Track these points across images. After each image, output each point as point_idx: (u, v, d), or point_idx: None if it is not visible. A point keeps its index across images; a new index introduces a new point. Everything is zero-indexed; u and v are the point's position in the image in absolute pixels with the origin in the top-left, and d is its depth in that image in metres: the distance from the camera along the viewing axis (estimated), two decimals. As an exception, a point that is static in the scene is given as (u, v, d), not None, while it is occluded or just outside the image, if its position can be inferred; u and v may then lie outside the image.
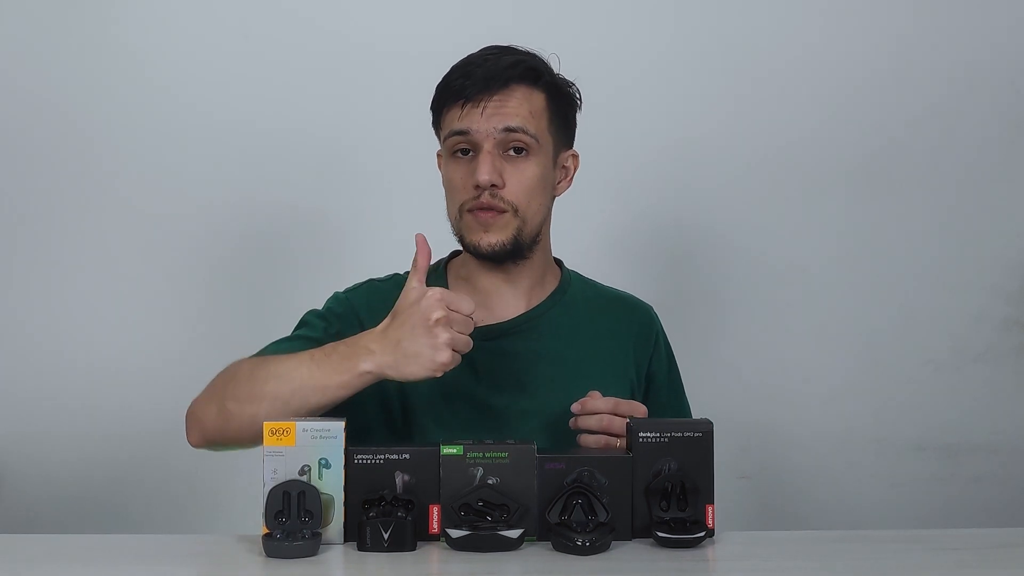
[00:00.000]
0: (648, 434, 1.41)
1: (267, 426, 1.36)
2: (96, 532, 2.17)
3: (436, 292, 1.44)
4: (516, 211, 1.60)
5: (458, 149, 1.62)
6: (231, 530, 1.49)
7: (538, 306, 1.69)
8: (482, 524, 1.35)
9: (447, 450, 1.38)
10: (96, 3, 2.30)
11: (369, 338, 1.46)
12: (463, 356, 1.60)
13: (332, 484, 1.36)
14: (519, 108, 1.60)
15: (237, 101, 2.29)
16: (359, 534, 1.35)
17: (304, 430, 1.36)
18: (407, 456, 1.39)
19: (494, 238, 1.60)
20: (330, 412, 1.50)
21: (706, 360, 2.15)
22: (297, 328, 1.69)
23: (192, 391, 2.26)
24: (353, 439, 1.40)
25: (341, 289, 1.76)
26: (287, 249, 2.30)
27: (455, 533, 1.34)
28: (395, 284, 1.69)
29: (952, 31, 2.31)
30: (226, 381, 1.56)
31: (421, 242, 1.50)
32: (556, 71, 1.66)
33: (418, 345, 1.42)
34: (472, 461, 1.38)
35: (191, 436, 1.60)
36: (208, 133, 2.29)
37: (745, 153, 2.31)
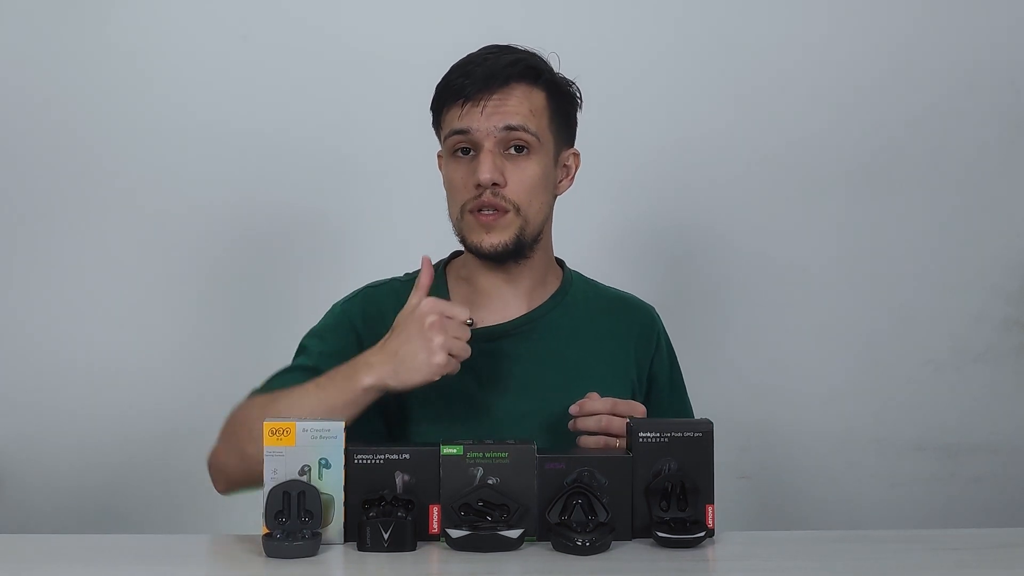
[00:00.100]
0: (648, 434, 1.41)
1: (267, 426, 1.36)
2: (96, 532, 2.17)
3: (429, 300, 1.48)
4: (518, 210, 1.60)
5: (458, 148, 1.62)
6: (231, 530, 1.49)
7: (539, 307, 1.68)
8: (482, 524, 1.35)
9: (447, 450, 1.38)
10: (96, 5, 2.29)
11: (369, 353, 1.50)
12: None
13: (332, 484, 1.36)
14: (519, 106, 1.60)
15: (237, 102, 2.29)
16: (359, 534, 1.35)
17: (304, 430, 1.36)
18: (407, 456, 1.39)
19: (496, 238, 1.60)
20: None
21: (706, 360, 2.15)
22: (297, 355, 1.72)
23: (192, 391, 2.28)
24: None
25: (340, 297, 1.77)
26: (288, 250, 2.30)
27: (455, 533, 1.34)
28: (391, 290, 1.70)
29: (952, 31, 2.31)
30: (239, 425, 1.58)
31: (426, 263, 1.54)
32: (556, 70, 1.66)
33: (414, 350, 1.45)
34: (472, 461, 1.38)
35: (218, 486, 1.63)
36: (208, 134, 2.28)
37: (745, 153, 2.31)
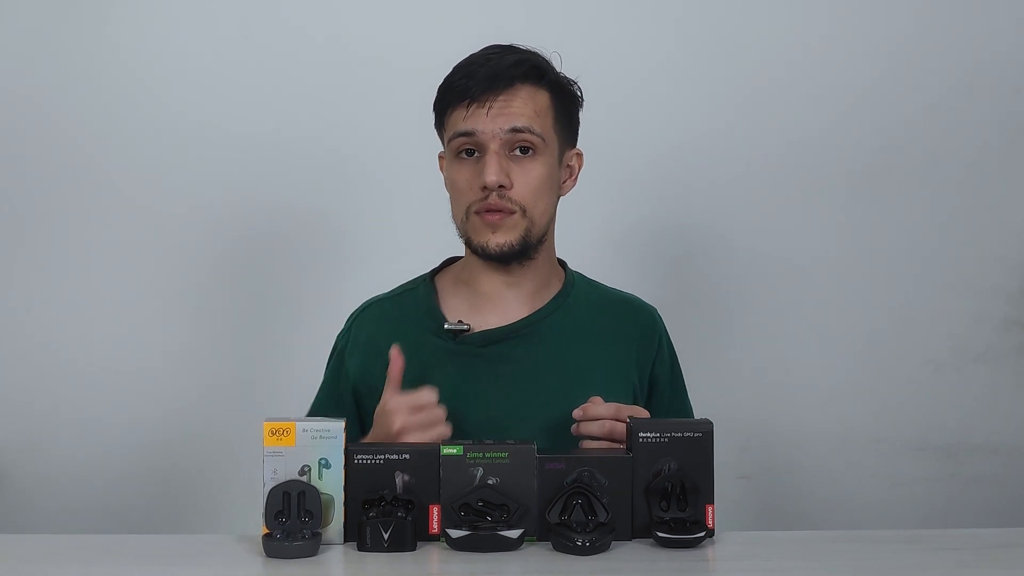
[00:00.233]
0: (648, 434, 1.41)
1: (267, 426, 1.36)
2: (96, 532, 2.17)
3: (393, 403, 1.49)
4: (524, 212, 1.60)
5: (463, 150, 1.61)
6: (231, 530, 1.49)
7: (540, 310, 1.68)
8: (482, 524, 1.35)
9: (447, 450, 1.38)
10: (96, 5, 2.29)
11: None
12: (461, 361, 1.62)
13: (332, 484, 1.36)
14: (524, 108, 1.60)
15: (237, 103, 2.28)
16: (359, 534, 1.35)
17: (304, 430, 1.36)
18: (407, 456, 1.39)
19: (502, 238, 1.60)
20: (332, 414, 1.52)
21: (706, 360, 2.15)
22: (322, 386, 1.76)
23: (192, 391, 2.28)
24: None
25: (340, 298, 1.83)
26: (288, 252, 2.30)
27: (455, 533, 1.34)
28: (397, 303, 1.72)
29: (952, 31, 2.31)
30: None
31: (395, 356, 1.53)
32: (558, 70, 1.66)
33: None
34: (472, 461, 1.38)
35: None
36: (209, 134, 2.28)
37: (746, 154, 2.30)
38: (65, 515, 2.26)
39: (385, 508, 1.36)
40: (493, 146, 1.58)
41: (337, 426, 1.37)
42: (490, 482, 1.37)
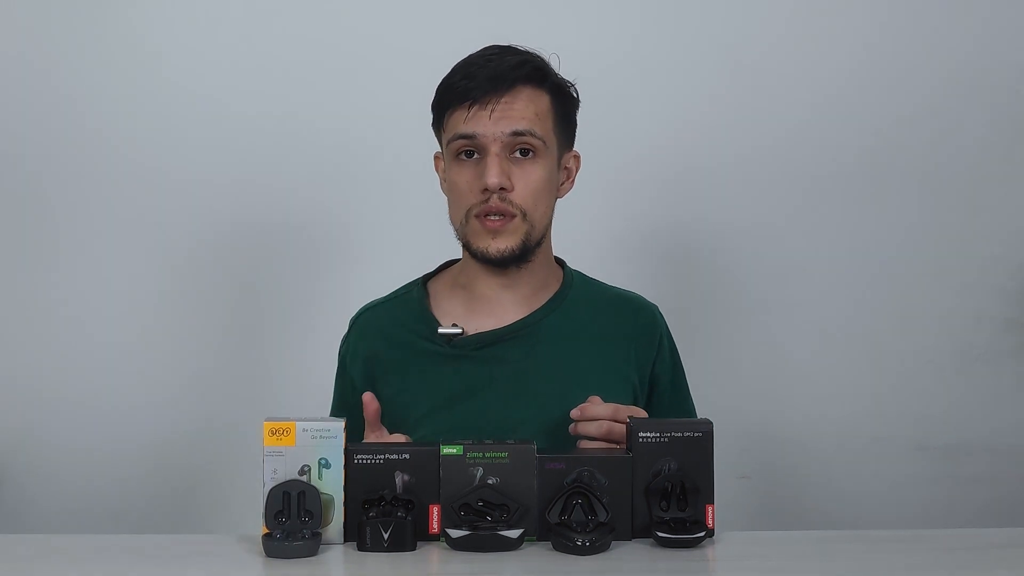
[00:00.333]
0: (648, 434, 1.40)
1: (267, 426, 1.36)
2: (96, 532, 2.17)
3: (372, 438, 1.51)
4: (524, 215, 1.60)
5: (463, 152, 1.61)
6: (231, 530, 1.49)
7: (536, 312, 1.67)
8: (482, 524, 1.35)
9: (447, 450, 1.38)
10: (97, 4, 2.29)
11: None
12: (456, 365, 1.62)
13: (332, 484, 1.36)
14: (525, 110, 1.59)
15: (240, 102, 2.29)
16: (359, 534, 1.35)
17: (304, 430, 1.36)
18: (407, 456, 1.39)
19: (503, 243, 1.60)
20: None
21: (706, 360, 2.15)
22: (334, 394, 1.77)
23: (192, 391, 2.28)
24: None
25: (340, 300, 1.86)
26: (290, 251, 2.30)
27: (455, 533, 1.34)
28: (390, 309, 1.72)
29: (952, 32, 2.31)
30: None
31: (367, 400, 1.51)
32: (556, 71, 1.66)
33: None
34: (472, 461, 1.38)
35: None
36: (212, 133, 2.28)
37: (745, 154, 2.30)
38: (65, 515, 2.26)
39: (385, 508, 1.36)
40: (494, 148, 1.58)
41: (337, 426, 1.37)
42: (490, 482, 1.37)
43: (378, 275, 1.83)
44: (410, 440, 1.52)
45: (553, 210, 1.67)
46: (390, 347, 1.68)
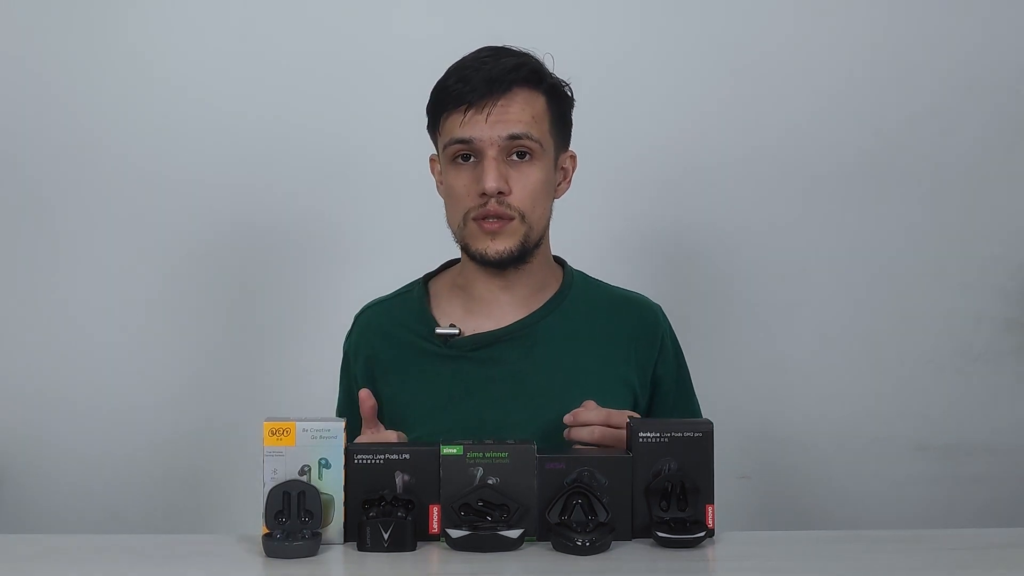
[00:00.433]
0: (648, 434, 1.40)
1: (267, 426, 1.36)
2: (96, 532, 2.17)
3: (365, 438, 1.51)
4: (523, 217, 1.59)
5: (459, 155, 1.60)
6: (231, 530, 1.49)
7: (533, 313, 1.67)
8: (482, 524, 1.35)
9: (447, 450, 1.38)
10: (97, 4, 2.29)
11: None
12: (452, 365, 1.62)
13: (332, 484, 1.36)
14: (522, 113, 1.59)
15: (240, 102, 2.29)
16: (359, 534, 1.35)
17: (304, 430, 1.36)
18: (407, 456, 1.39)
19: (502, 245, 1.59)
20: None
21: (705, 360, 2.14)
22: (339, 390, 1.77)
23: (192, 391, 2.28)
24: None
25: (340, 301, 1.86)
26: (290, 251, 2.30)
27: (455, 533, 1.34)
28: (392, 307, 1.71)
29: (952, 32, 2.30)
30: None
31: (364, 397, 1.52)
32: (551, 71, 1.65)
33: None
34: (472, 461, 1.38)
35: None
36: (212, 134, 2.28)
37: (745, 153, 2.30)
38: (65, 515, 2.26)
39: (385, 508, 1.36)
40: (491, 152, 1.57)
41: (337, 426, 1.37)
42: (490, 482, 1.37)
43: (376, 276, 1.83)
44: (403, 436, 1.52)
45: (551, 211, 1.67)
46: (390, 346, 1.69)
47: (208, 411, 2.29)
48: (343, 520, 1.37)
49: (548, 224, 1.67)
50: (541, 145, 1.60)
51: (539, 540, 1.38)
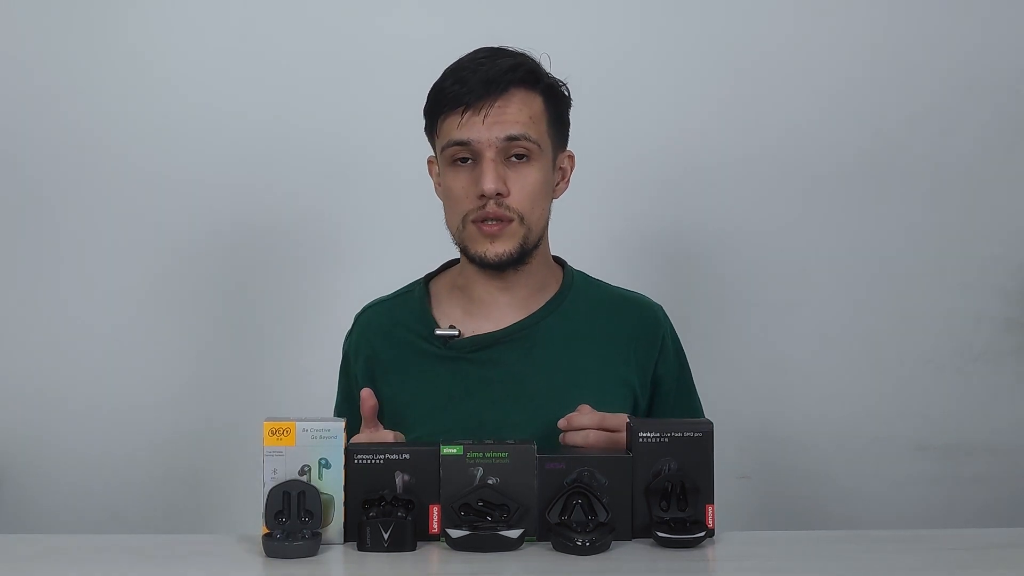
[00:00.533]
0: (648, 434, 1.40)
1: (267, 426, 1.36)
2: (96, 532, 2.17)
3: (363, 437, 1.51)
4: (522, 219, 1.59)
5: (457, 158, 1.60)
6: (231, 530, 1.49)
7: (532, 314, 1.67)
8: (482, 524, 1.35)
9: (447, 450, 1.38)
10: (97, 5, 2.29)
11: None
12: (452, 366, 1.62)
13: (332, 484, 1.36)
14: (519, 114, 1.58)
15: (239, 103, 2.29)
16: (359, 534, 1.35)
17: (304, 430, 1.36)
18: (407, 456, 1.39)
19: (501, 247, 1.59)
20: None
21: (706, 360, 2.13)
22: (338, 390, 1.77)
23: (192, 391, 2.28)
24: None
25: (340, 302, 1.87)
26: (290, 251, 2.30)
27: (455, 533, 1.34)
28: (393, 307, 1.71)
29: (952, 32, 2.30)
30: None
31: (365, 396, 1.52)
32: (547, 71, 1.65)
33: None
34: (472, 461, 1.38)
35: None
36: (211, 135, 2.28)
37: (745, 153, 2.30)
38: (65, 515, 2.26)
39: (385, 508, 1.36)
40: (489, 154, 1.57)
41: (337, 426, 1.37)
42: (490, 482, 1.37)
43: (375, 277, 1.83)
44: (400, 435, 1.52)
45: (550, 211, 1.66)
46: (390, 346, 1.69)
47: (208, 411, 2.29)
48: (343, 520, 1.37)
49: (547, 225, 1.66)
50: (539, 146, 1.60)
51: (539, 540, 1.38)
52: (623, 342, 1.68)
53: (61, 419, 2.28)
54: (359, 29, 2.30)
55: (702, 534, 1.36)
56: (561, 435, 1.49)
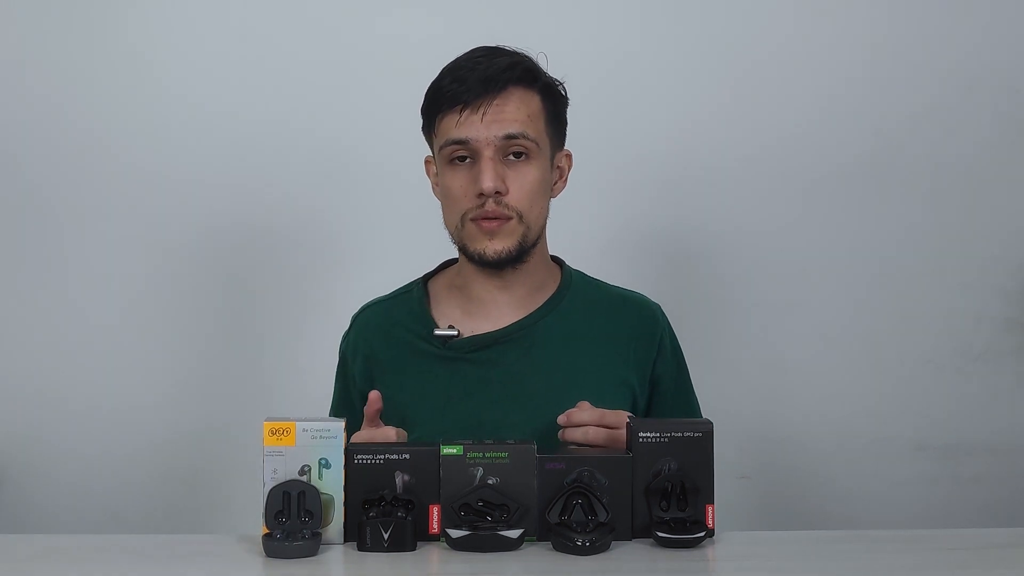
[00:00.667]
0: (648, 434, 1.40)
1: (267, 426, 1.36)
2: (96, 532, 2.17)
3: (356, 438, 1.50)
4: (521, 217, 1.59)
5: (456, 156, 1.60)
6: (231, 530, 1.49)
7: (531, 314, 1.67)
8: (482, 524, 1.35)
9: (447, 450, 1.38)
10: (97, 5, 2.29)
11: None
12: (451, 367, 1.62)
13: (332, 484, 1.36)
14: (518, 112, 1.58)
15: (235, 108, 2.28)
16: (359, 534, 1.35)
17: (304, 430, 1.36)
18: (407, 456, 1.39)
19: (500, 245, 1.59)
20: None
21: (705, 360, 2.14)
22: (334, 390, 1.76)
23: (192, 391, 2.28)
24: None
25: (340, 302, 1.85)
26: (290, 251, 2.30)
27: (455, 533, 1.34)
28: (391, 307, 1.71)
29: (952, 32, 2.30)
30: None
31: (373, 399, 1.50)
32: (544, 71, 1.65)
33: None
34: (472, 461, 1.38)
35: None
36: (211, 134, 2.28)
37: (745, 153, 2.30)
38: (65, 515, 2.26)
39: (385, 508, 1.36)
40: (487, 152, 1.57)
41: (337, 426, 1.37)
42: (490, 482, 1.37)
43: (373, 277, 1.83)
44: (400, 432, 1.51)
45: (548, 210, 1.66)
46: (389, 346, 1.68)
47: (208, 411, 2.29)
48: (343, 520, 1.37)
49: (545, 223, 1.66)
50: (537, 144, 1.60)
51: (539, 540, 1.38)
52: (622, 342, 1.68)
53: (61, 419, 2.28)
54: (359, 30, 2.30)
55: (702, 534, 1.37)
56: (560, 431, 1.49)
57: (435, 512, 1.38)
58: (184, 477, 2.29)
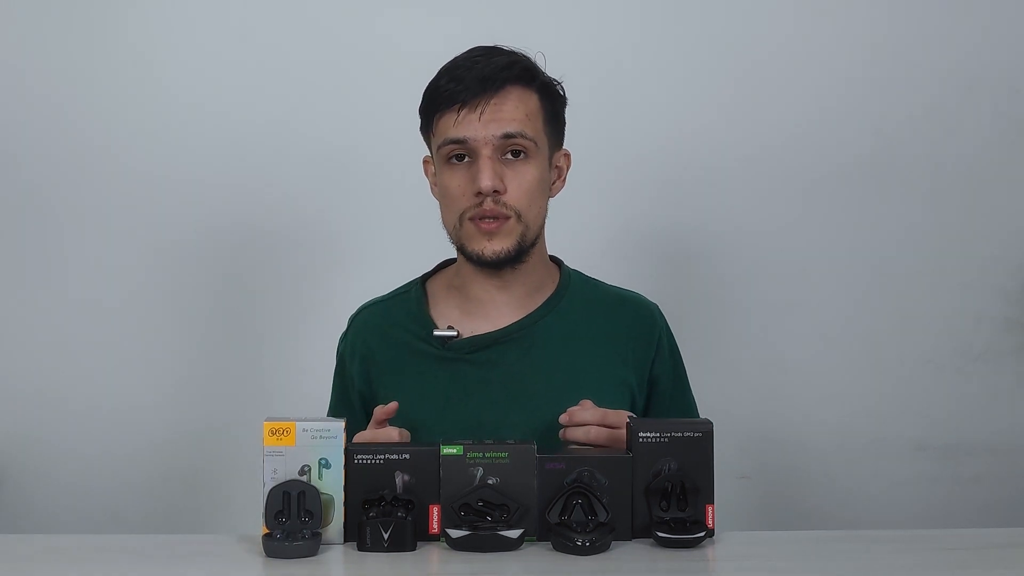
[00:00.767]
0: (648, 434, 1.40)
1: (267, 426, 1.36)
2: (95, 532, 2.17)
3: (359, 436, 1.50)
4: (519, 216, 1.59)
5: (454, 156, 1.60)
6: (231, 530, 1.49)
7: (530, 314, 1.66)
8: (482, 524, 1.35)
9: (447, 450, 1.38)
10: (97, 6, 2.29)
11: None
12: (450, 367, 1.62)
13: (332, 484, 1.36)
14: (516, 111, 1.58)
15: (237, 104, 2.29)
16: (359, 534, 1.35)
17: (304, 430, 1.36)
18: (407, 456, 1.39)
19: (499, 245, 1.59)
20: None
21: (705, 360, 2.14)
22: (332, 391, 1.76)
23: (192, 391, 2.28)
24: None
25: (339, 302, 1.85)
26: (289, 252, 2.30)
27: (455, 533, 1.34)
28: (389, 307, 1.71)
29: (952, 32, 2.31)
30: None
31: (390, 409, 1.50)
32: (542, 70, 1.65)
33: None
34: (472, 461, 1.38)
35: None
36: (206, 139, 2.28)
37: (745, 153, 2.30)
38: (65, 515, 2.26)
39: (385, 508, 1.36)
40: (486, 151, 1.57)
41: (337, 426, 1.37)
42: (490, 482, 1.37)
43: (372, 277, 1.83)
44: (403, 432, 1.51)
45: (546, 210, 1.66)
46: (387, 347, 1.68)
47: (208, 411, 2.29)
48: (343, 520, 1.37)
49: (544, 223, 1.66)
50: (535, 143, 1.60)
51: (539, 540, 1.38)
52: (621, 341, 1.68)
53: (61, 419, 2.28)
54: (358, 30, 2.30)
55: (702, 534, 1.37)
56: (562, 431, 1.49)
57: (435, 512, 1.38)
58: (184, 477, 2.29)
